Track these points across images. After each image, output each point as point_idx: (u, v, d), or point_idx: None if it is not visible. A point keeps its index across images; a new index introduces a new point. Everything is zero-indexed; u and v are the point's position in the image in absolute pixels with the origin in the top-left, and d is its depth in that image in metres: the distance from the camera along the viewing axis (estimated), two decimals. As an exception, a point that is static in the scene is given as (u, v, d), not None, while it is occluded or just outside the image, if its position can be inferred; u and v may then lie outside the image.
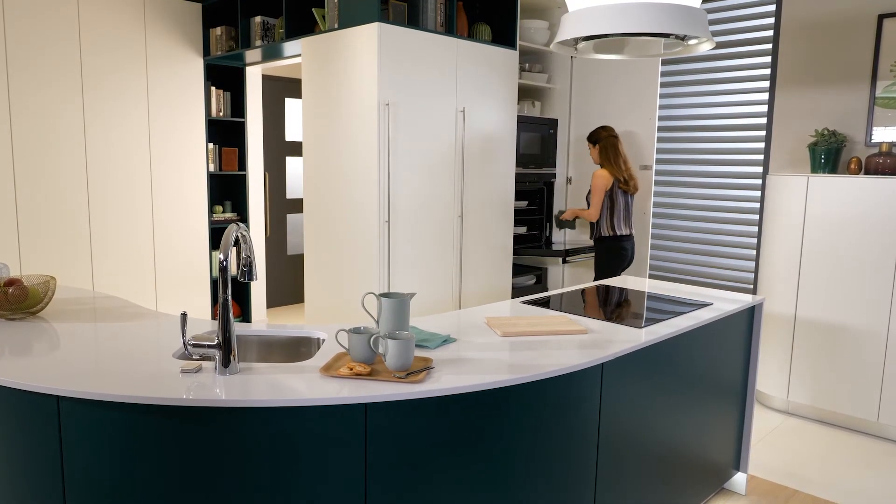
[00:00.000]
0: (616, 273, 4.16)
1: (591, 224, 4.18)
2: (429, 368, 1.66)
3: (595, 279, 4.23)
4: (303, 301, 6.41)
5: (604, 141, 4.08)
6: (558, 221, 4.46)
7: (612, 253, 4.13)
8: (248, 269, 1.69)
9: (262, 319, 5.50)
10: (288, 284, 6.32)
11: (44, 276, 2.17)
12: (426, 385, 1.55)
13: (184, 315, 1.57)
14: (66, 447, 1.50)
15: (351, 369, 1.59)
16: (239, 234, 1.66)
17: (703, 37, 2.21)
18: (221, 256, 1.58)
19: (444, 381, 1.58)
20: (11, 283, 2.06)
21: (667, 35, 2.20)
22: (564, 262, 4.47)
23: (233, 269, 4.81)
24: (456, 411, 1.59)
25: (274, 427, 1.46)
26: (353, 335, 1.65)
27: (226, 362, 1.59)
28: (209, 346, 1.59)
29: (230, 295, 1.60)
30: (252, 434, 1.46)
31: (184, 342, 1.57)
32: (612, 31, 2.13)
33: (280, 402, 1.44)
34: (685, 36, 2.22)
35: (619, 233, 4.09)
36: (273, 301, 6.20)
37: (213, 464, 1.46)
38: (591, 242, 4.45)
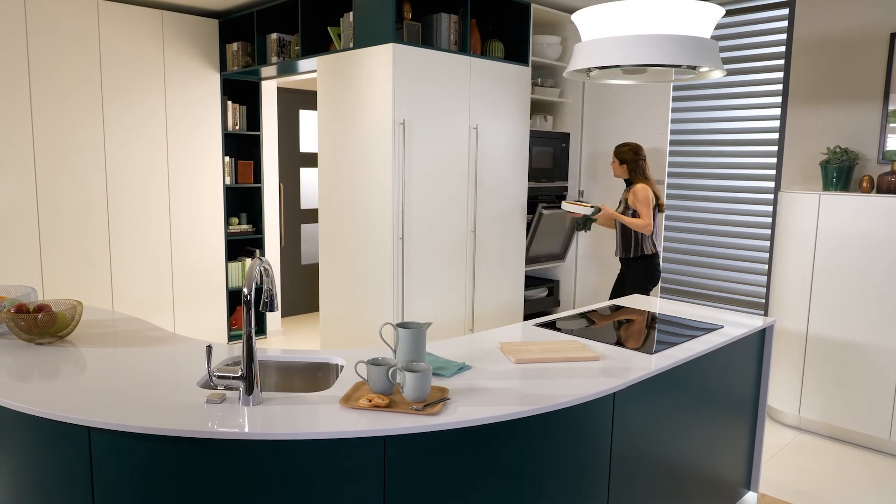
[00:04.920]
0: (648, 293, 3.96)
1: (627, 240, 3.97)
2: (445, 399, 1.71)
3: (621, 295, 4.02)
4: (317, 310, 6.47)
5: (632, 164, 3.96)
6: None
7: (652, 270, 3.97)
8: (269, 300, 1.75)
9: (278, 329, 5.57)
10: (303, 294, 6.38)
11: (71, 301, 2.24)
12: (442, 417, 1.60)
13: (209, 347, 1.64)
14: (97, 476, 1.56)
15: (370, 401, 1.64)
16: (261, 269, 1.71)
17: (714, 67, 2.25)
18: (245, 290, 1.64)
19: (460, 413, 1.63)
20: (40, 308, 2.13)
21: (678, 65, 2.24)
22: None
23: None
24: (471, 442, 1.64)
25: (295, 459, 1.51)
26: (372, 367, 1.70)
27: (249, 391, 1.65)
28: (233, 378, 1.64)
29: (254, 330, 1.66)
30: (274, 465, 1.51)
31: (209, 373, 1.63)
32: (624, 63, 2.17)
33: (302, 434, 1.49)
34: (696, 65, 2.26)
35: (658, 250, 3.99)
36: (288, 310, 6.27)
37: (236, 494, 1.51)
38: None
